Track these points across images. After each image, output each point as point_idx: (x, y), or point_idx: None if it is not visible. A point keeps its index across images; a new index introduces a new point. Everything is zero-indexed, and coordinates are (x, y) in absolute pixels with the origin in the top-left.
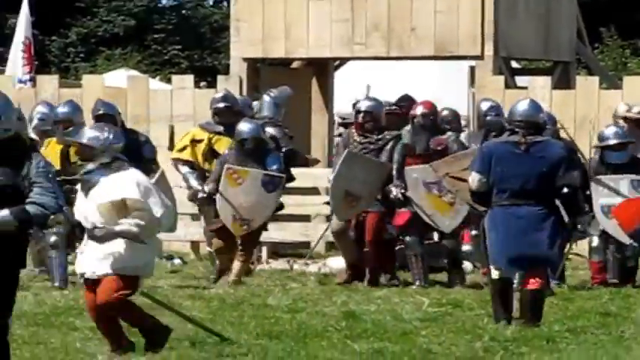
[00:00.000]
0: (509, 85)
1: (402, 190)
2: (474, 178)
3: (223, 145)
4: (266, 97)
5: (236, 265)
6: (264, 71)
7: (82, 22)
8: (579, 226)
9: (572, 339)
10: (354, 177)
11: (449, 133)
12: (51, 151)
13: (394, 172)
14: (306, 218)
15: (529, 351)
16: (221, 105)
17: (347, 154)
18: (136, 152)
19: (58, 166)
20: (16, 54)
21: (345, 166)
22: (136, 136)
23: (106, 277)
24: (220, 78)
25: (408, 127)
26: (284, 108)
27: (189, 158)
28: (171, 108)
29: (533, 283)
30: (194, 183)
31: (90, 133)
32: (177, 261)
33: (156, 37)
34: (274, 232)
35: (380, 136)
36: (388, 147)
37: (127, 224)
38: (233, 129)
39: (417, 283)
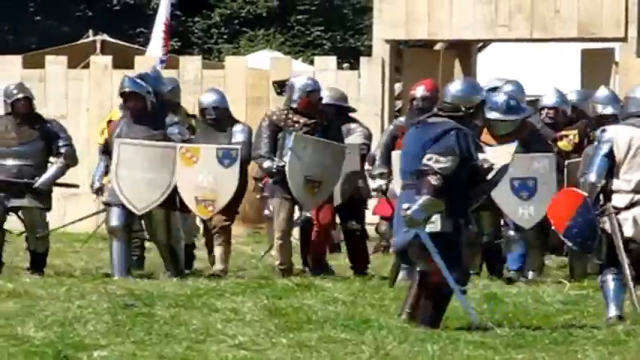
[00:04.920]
0: None
1: (386, 181)
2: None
3: None
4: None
5: (218, 250)
6: (406, 53)
7: (225, 2)
8: None
9: None
10: (309, 161)
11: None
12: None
13: (377, 154)
14: None
15: None
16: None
17: (294, 137)
18: None
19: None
20: (158, 34)
21: (297, 150)
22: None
23: None
24: (363, 60)
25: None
26: None
27: None
28: None
29: None
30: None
31: None
32: None
33: (299, 19)
34: None
35: (316, 120)
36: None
37: None
38: None
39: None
